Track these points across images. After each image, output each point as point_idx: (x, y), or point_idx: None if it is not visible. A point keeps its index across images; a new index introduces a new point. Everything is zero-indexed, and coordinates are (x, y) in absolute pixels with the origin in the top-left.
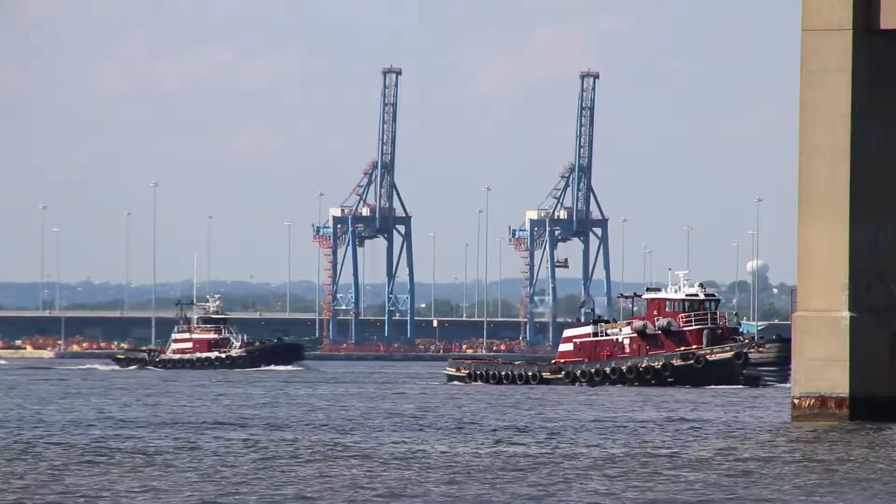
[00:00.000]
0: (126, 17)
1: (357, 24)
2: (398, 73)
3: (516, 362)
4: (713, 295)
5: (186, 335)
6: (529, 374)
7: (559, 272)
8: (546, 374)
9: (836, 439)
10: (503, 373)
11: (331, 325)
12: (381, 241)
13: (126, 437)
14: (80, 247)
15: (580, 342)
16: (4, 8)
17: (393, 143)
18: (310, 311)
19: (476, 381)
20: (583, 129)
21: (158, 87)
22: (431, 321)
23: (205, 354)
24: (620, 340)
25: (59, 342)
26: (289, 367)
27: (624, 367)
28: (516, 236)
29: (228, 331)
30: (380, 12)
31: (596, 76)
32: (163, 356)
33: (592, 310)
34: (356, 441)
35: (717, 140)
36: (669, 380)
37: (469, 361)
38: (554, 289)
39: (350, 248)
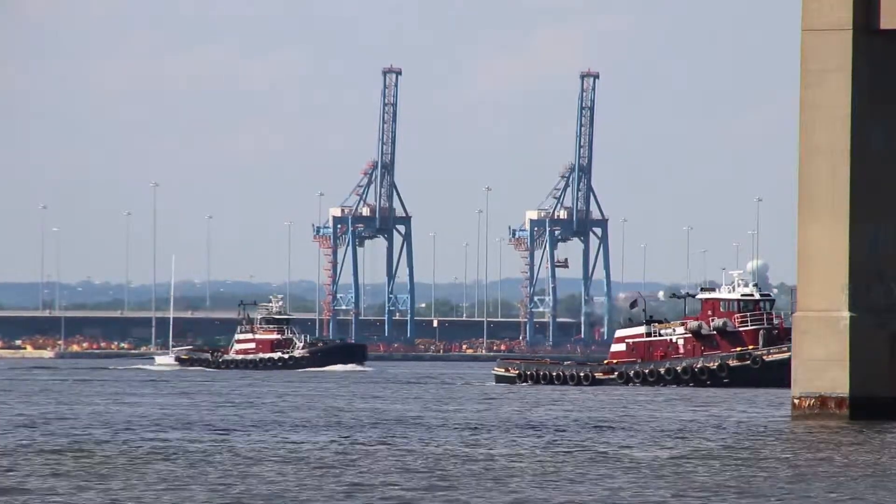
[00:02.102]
0: (126, 17)
1: (357, 24)
2: (398, 73)
3: (566, 362)
4: (768, 295)
5: (249, 335)
6: (581, 374)
7: (559, 272)
8: (598, 375)
9: (835, 439)
10: (554, 373)
11: (331, 325)
12: (381, 241)
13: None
14: (80, 247)
15: (633, 342)
16: (4, 8)
17: (393, 143)
18: (310, 311)
19: (526, 381)
20: (583, 129)
21: (158, 87)
22: (431, 321)
23: (268, 355)
24: (674, 341)
25: (59, 342)
26: (352, 368)
27: (679, 368)
28: (516, 236)
29: (291, 331)
30: (380, 12)
31: (596, 76)
32: (226, 357)
33: (644, 310)
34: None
35: (717, 140)
36: (725, 381)
37: (518, 362)
38: (554, 289)
39: (350, 248)
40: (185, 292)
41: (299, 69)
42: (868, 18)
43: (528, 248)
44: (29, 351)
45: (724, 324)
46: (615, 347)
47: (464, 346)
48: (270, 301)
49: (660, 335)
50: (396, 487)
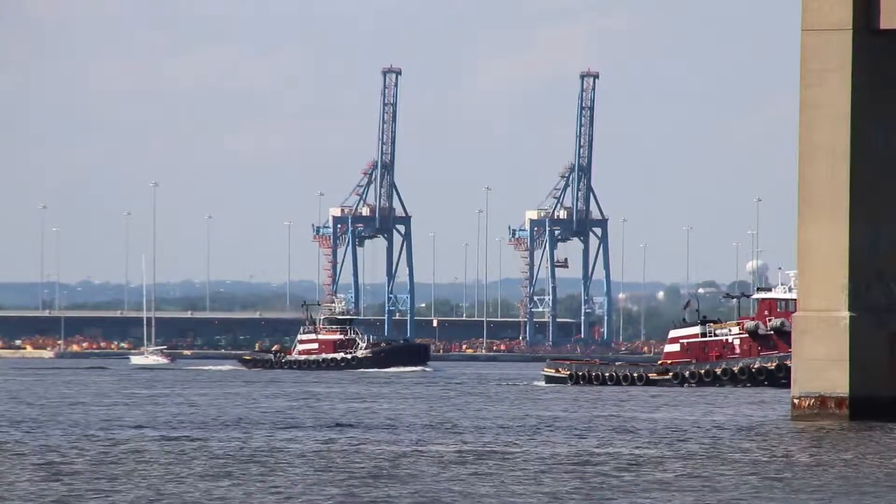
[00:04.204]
0: (126, 17)
1: (357, 24)
2: (398, 73)
3: (617, 363)
4: None
5: (312, 336)
6: (635, 375)
7: (559, 272)
8: (652, 375)
9: (835, 439)
10: (607, 374)
11: None
12: (381, 241)
13: None
14: (80, 247)
15: (687, 342)
16: (5, 8)
17: (393, 143)
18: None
19: (578, 382)
20: (583, 129)
21: (158, 87)
22: (431, 321)
23: (331, 355)
24: (730, 341)
25: (59, 342)
26: (415, 369)
27: (735, 368)
28: (516, 236)
29: (354, 331)
30: (380, 12)
31: (596, 76)
32: (288, 357)
33: (697, 310)
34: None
35: (717, 140)
36: (783, 381)
37: (568, 362)
38: (554, 289)
39: (350, 247)
40: (186, 292)
41: (299, 69)
42: (868, 18)
43: (528, 248)
44: (29, 351)
45: (782, 324)
46: (669, 348)
47: (464, 346)
48: (333, 301)
49: (715, 335)
50: None
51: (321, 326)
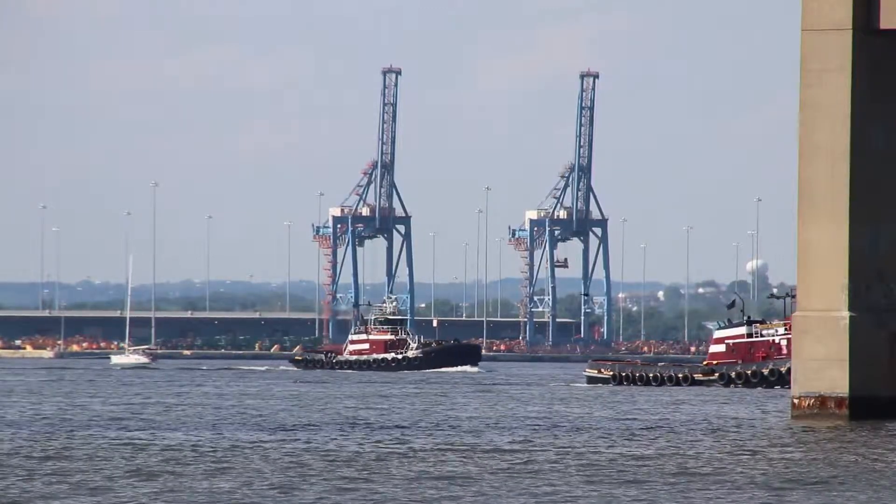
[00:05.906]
0: (126, 17)
1: (357, 24)
2: (398, 73)
3: (660, 364)
4: None
5: (363, 336)
6: (680, 375)
7: (559, 272)
8: (698, 376)
9: (835, 439)
10: (651, 374)
11: (331, 324)
12: (380, 241)
13: None
14: (80, 247)
15: (733, 343)
16: (5, 8)
17: (393, 143)
18: (310, 311)
19: (621, 383)
20: (583, 129)
21: (159, 87)
22: (431, 321)
23: (381, 356)
24: (777, 341)
25: (59, 342)
26: (466, 369)
27: (783, 369)
28: (516, 236)
29: (405, 332)
30: (380, 12)
31: (596, 76)
32: (339, 357)
33: (742, 310)
34: None
35: (717, 140)
36: None
37: (610, 363)
38: (554, 289)
39: (350, 247)
40: (185, 292)
41: (299, 69)
42: (868, 18)
43: (528, 247)
44: (29, 351)
45: None
46: (714, 348)
47: None
48: (384, 302)
49: (761, 336)
50: None
51: (372, 327)
